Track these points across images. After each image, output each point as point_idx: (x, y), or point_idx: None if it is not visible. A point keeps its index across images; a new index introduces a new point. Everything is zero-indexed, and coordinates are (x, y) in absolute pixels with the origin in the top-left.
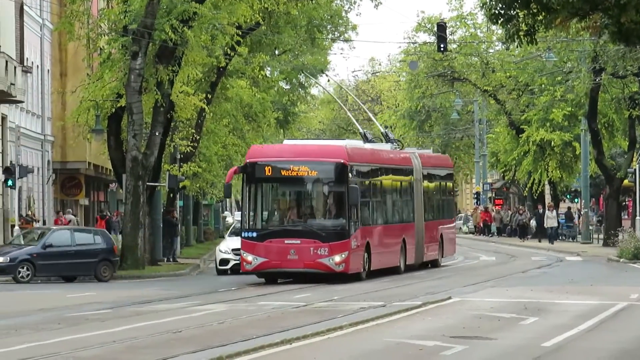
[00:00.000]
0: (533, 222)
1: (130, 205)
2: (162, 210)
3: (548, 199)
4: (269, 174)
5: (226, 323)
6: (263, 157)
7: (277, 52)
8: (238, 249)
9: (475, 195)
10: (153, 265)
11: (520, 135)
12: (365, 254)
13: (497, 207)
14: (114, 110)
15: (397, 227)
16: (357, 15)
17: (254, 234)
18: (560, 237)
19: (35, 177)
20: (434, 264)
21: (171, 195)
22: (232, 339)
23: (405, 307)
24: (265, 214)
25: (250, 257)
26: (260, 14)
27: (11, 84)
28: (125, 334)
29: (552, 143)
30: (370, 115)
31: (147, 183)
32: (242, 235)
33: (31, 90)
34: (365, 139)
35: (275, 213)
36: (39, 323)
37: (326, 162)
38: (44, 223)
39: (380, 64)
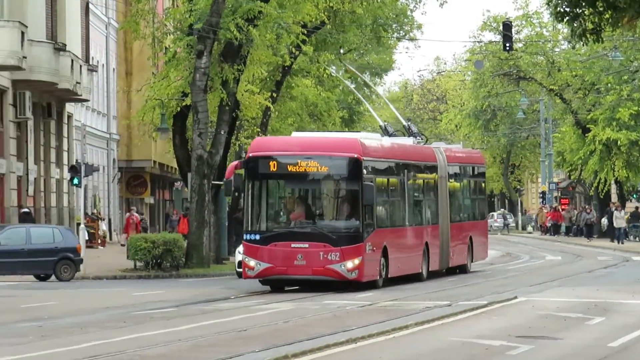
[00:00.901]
0: (604, 221)
1: (195, 204)
2: (227, 208)
3: (614, 198)
4: (274, 170)
5: (291, 322)
6: (267, 151)
7: (342, 50)
8: None
9: (541, 195)
10: (218, 264)
11: (586, 135)
12: (382, 259)
13: (563, 207)
14: (179, 109)
15: (419, 229)
16: (422, 14)
17: (257, 237)
18: (627, 237)
19: (101, 176)
20: (462, 269)
21: (236, 194)
22: (298, 338)
23: (470, 307)
24: (270, 214)
25: (252, 262)
26: (326, 13)
27: (77, 82)
28: (190, 333)
29: (619, 142)
30: (390, 105)
31: (212, 182)
32: (244, 238)
33: (97, 88)
34: (386, 132)
35: (281, 213)
36: (105, 321)
37: (338, 156)
38: (110, 221)
39: (445, 63)
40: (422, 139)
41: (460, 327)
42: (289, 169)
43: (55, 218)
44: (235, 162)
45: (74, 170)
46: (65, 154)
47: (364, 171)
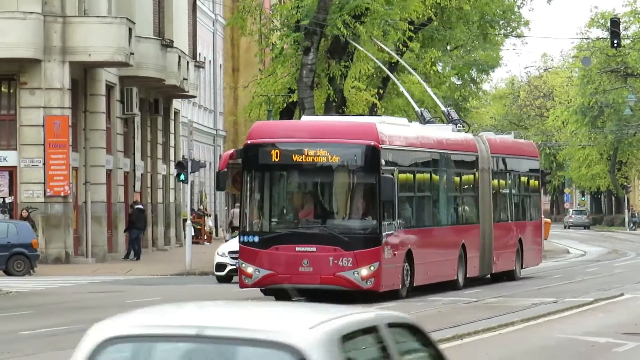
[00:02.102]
0: None
1: None
2: None
3: None
4: (276, 160)
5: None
6: (268, 138)
7: (449, 47)
8: (237, 252)
9: None
10: None
11: None
12: (406, 264)
13: None
14: (285, 105)
15: (453, 229)
16: (529, 10)
17: (256, 239)
18: None
19: (207, 172)
20: (510, 275)
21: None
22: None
23: (576, 304)
24: (271, 212)
25: (250, 269)
26: (432, 10)
27: (184, 79)
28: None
29: None
30: (426, 86)
31: None
32: (241, 240)
33: (203, 85)
34: (423, 118)
35: (284, 211)
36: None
37: (351, 144)
38: (215, 217)
39: (552, 60)
40: (463, 127)
41: (566, 324)
42: (294, 159)
43: (161, 214)
44: (231, 151)
45: (181, 166)
46: (171, 150)
47: (383, 161)
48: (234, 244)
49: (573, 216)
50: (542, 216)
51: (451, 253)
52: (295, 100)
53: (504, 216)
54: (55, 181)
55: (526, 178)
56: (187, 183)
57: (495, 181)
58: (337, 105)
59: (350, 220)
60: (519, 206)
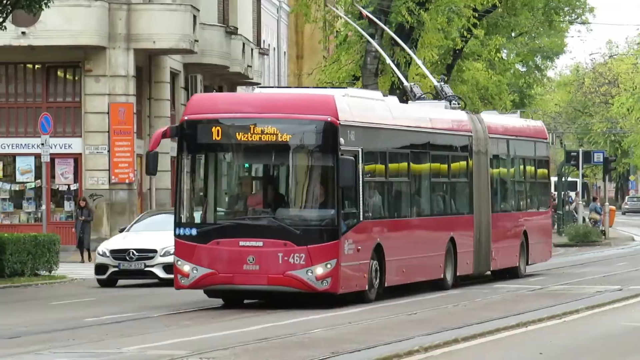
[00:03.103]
0: None
1: None
2: None
3: None
4: (217, 139)
5: (460, 306)
6: (208, 112)
7: (513, 34)
8: (120, 251)
9: None
10: None
11: None
12: (374, 262)
13: None
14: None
15: (438, 221)
16: None
17: (193, 232)
18: None
19: None
20: (513, 273)
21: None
22: (467, 322)
23: None
24: (210, 200)
25: (187, 267)
26: None
27: (248, 66)
28: (359, 316)
29: None
30: (419, 62)
31: None
32: (176, 232)
33: (268, 72)
34: (413, 95)
35: (226, 199)
36: (269, 305)
37: (305, 120)
38: None
39: (617, 47)
40: (458, 104)
41: (632, 312)
42: (238, 138)
43: None
44: (164, 128)
45: None
46: None
47: (342, 141)
48: (117, 241)
49: (628, 203)
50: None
51: (436, 248)
52: (359, 87)
53: (506, 206)
54: (120, 168)
55: (533, 163)
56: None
57: (495, 166)
58: (401, 92)
59: (304, 209)
60: (523, 194)
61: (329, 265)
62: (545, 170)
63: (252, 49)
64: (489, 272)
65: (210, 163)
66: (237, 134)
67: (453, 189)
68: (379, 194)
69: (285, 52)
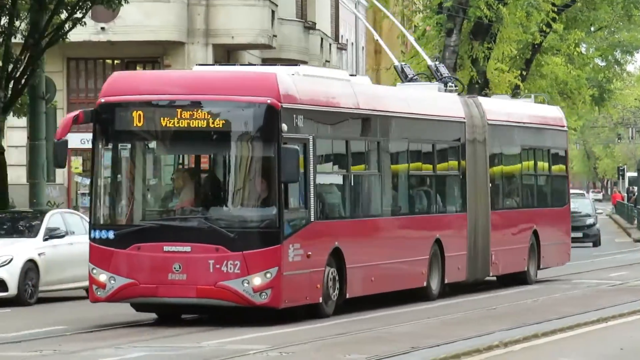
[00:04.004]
0: None
1: None
2: None
3: None
4: (139, 125)
5: (540, 301)
6: (129, 94)
7: (592, 28)
8: None
9: None
10: None
11: None
12: (331, 269)
13: None
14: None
15: (419, 220)
16: None
17: (110, 235)
18: None
19: None
20: (520, 279)
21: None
22: (547, 317)
23: None
24: (131, 198)
25: (103, 277)
26: None
27: (326, 61)
28: (439, 311)
29: None
30: (411, 39)
31: None
32: (90, 236)
33: (346, 67)
34: (404, 76)
35: (148, 197)
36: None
37: (240, 102)
38: None
39: None
40: (455, 87)
41: None
42: (162, 124)
43: None
44: (76, 112)
45: None
46: None
47: (284, 127)
48: None
49: None
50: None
51: (417, 251)
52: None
53: (510, 202)
54: None
55: (547, 154)
56: None
57: (496, 157)
58: (480, 86)
59: (240, 209)
60: (533, 189)
61: (268, 275)
62: (563, 163)
63: (330, 44)
64: (494, 278)
65: (130, 154)
66: (161, 119)
67: (440, 184)
68: (337, 190)
69: (363, 47)
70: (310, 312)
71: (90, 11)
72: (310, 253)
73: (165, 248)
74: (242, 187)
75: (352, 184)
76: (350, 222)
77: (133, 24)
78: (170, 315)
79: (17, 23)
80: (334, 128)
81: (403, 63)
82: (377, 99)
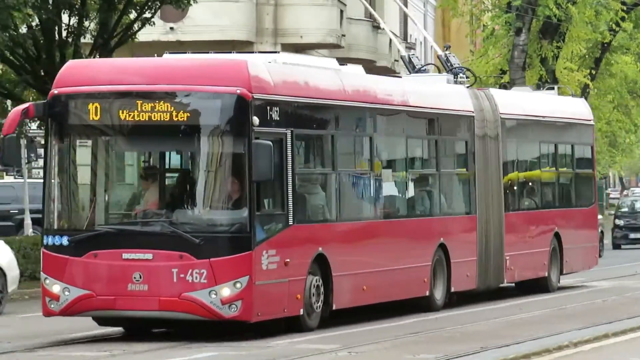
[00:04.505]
0: None
1: None
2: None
3: None
4: (95, 119)
5: (610, 300)
6: (83, 84)
7: None
8: None
9: None
10: None
11: None
12: (314, 278)
13: None
14: (497, 86)
15: (419, 223)
16: None
17: (64, 241)
18: None
19: None
20: (541, 285)
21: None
22: (618, 317)
23: None
24: (87, 200)
25: (56, 288)
26: None
27: (395, 60)
28: (507, 311)
29: None
30: (415, 22)
31: None
32: (43, 242)
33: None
34: (412, 66)
35: (107, 199)
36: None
37: (207, 93)
38: None
39: None
40: (467, 78)
41: None
42: (122, 117)
43: None
44: (25, 106)
45: None
46: None
47: (255, 120)
48: None
49: None
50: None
51: (417, 257)
52: (507, 81)
53: (528, 203)
54: None
55: (570, 150)
56: None
57: (511, 154)
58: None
59: (207, 211)
60: (554, 189)
61: (238, 285)
62: (589, 159)
63: (398, 44)
64: (512, 285)
65: (86, 151)
66: (120, 112)
67: (444, 183)
68: (322, 190)
69: (431, 47)
70: (290, 326)
71: (159, 11)
72: (288, 260)
73: (125, 255)
74: (209, 188)
75: (339, 183)
76: (336, 225)
77: (202, 23)
78: (137, 329)
79: (86, 23)
80: (317, 122)
81: (411, 53)
82: (368, 90)
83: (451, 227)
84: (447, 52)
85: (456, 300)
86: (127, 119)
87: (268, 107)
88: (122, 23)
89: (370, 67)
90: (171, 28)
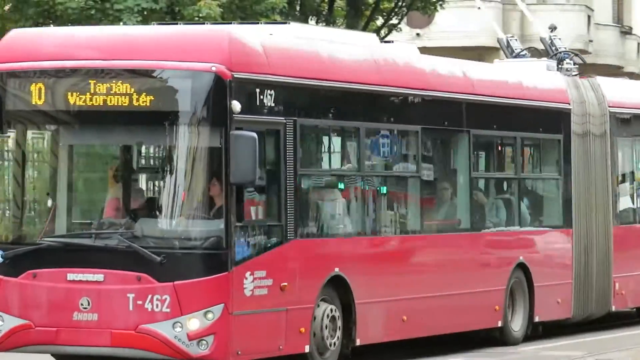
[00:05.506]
0: None
1: None
2: None
3: None
4: (38, 103)
5: None
6: (26, 60)
7: None
8: None
9: None
10: None
11: None
12: (328, 308)
13: None
14: None
15: (486, 238)
16: None
17: None
18: None
19: None
20: None
21: None
22: None
23: None
24: (25, 206)
25: None
26: None
27: None
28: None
29: None
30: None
31: None
32: None
33: None
34: (510, 50)
35: (49, 205)
36: None
37: (175, 70)
38: None
39: None
40: (573, 64)
41: None
42: (71, 102)
43: None
44: None
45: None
46: None
47: (235, 106)
48: None
49: None
50: None
51: (484, 280)
52: None
53: None
54: None
55: None
56: None
57: (623, 155)
58: None
59: (172, 221)
60: None
61: (210, 315)
62: None
63: None
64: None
65: (26, 144)
66: (68, 94)
67: (525, 190)
68: (340, 195)
69: None
70: None
71: (405, 17)
72: (285, 284)
73: (70, 276)
74: (176, 192)
75: (366, 187)
76: (360, 240)
77: (448, 29)
78: None
79: None
80: (335, 110)
81: (509, 36)
82: (416, 73)
83: (535, 243)
84: (551, 34)
85: (542, 331)
86: (77, 104)
87: (258, 90)
88: (369, 29)
89: (617, 73)
90: (417, 34)
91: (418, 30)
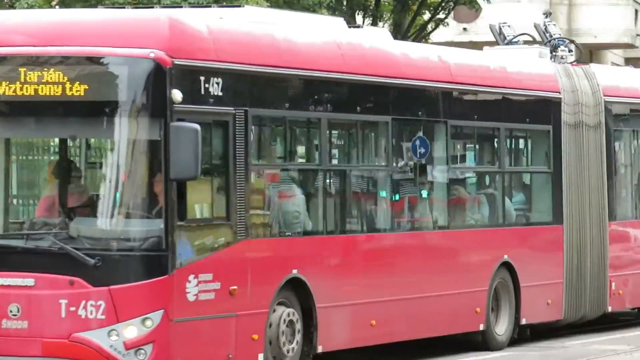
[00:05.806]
0: None
1: None
2: None
3: None
4: None
5: None
6: None
7: None
8: None
9: None
10: None
11: None
12: (285, 312)
13: None
14: None
15: (465, 235)
16: None
17: None
18: None
19: None
20: None
21: None
22: None
23: None
24: None
25: None
26: None
27: None
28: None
29: None
30: None
31: None
32: None
33: None
34: (502, 37)
35: None
36: None
37: (112, 57)
38: None
39: None
40: (569, 51)
41: None
42: (3, 90)
43: None
44: None
45: None
46: None
47: (176, 95)
48: None
49: None
50: None
51: (463, 280)
52: None
53: None
54: None
55: None
56: None
57: (619, 147)
58: None
59: (108, 220)
60: None
61: (148, 322)
62: None
63: None
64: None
65: None
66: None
67: (508, 184)
68: (299, 191)
69: None
70: None
71: (452, 11)
72: (234, 288)
73: None
74: (112, 189)
75: (327, 182)
76: (320, 239)
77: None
78: None
79: (380, 24)
80: (293, 100)
81: (503, 23)
82: (386, 60)
83: (521, 241)
84: (546, 20)
85: (530, 335)
86: (6, 93)
87: (203, 78)
88: (416, 24)
89: None
90: (464, 29)
91: (465, 25)
